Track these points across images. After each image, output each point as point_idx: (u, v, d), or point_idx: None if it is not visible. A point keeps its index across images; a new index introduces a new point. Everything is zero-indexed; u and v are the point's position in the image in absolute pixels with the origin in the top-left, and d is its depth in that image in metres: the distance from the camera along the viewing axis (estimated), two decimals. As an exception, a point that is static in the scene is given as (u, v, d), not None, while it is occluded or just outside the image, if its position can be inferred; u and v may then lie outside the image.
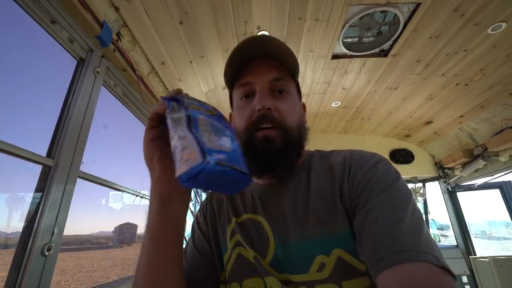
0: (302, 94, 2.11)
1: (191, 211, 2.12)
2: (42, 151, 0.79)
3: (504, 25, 1.35)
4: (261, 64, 0.52)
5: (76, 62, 0.94)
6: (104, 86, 1.09)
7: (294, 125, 0.50)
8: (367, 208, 0.40)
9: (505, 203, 2.58)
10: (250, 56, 0.52)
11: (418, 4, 1.26)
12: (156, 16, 1.18)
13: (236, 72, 0.54)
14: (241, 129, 0.51)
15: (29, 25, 0.76)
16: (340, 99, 2.22)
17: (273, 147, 0.47)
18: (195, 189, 2.17)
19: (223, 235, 0.54)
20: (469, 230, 2.71)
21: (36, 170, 0.75)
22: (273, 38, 0.52)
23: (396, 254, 0.34)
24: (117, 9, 1.05)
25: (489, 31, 1.39)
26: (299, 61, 1.66)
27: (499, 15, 1.30)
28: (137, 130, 1.51)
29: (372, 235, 0.37)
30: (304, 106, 0.61)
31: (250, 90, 0.52)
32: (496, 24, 1.35)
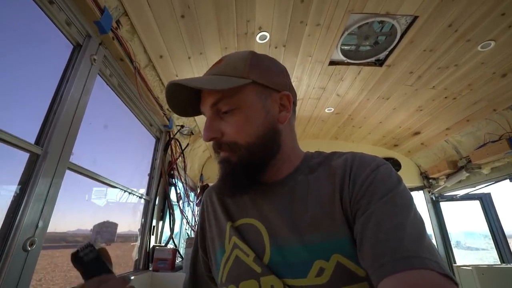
0: (298, 98, 2.13)
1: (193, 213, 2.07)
2: (30, 138, 0.74)
3: (492, 43, 1.42)
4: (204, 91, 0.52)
5: (72, 47, 0.90)
6: (100, 75, 1.05)
7: (248, 139, 0.49)
8: (368, 213, 0.39)
9: (484, 215, 2.69)
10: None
11: (416, 17, 1.31)
12: (157, 8, 1.15)
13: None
14: None
15: (25, 4, 0.72)
16: (334, 105, 2.26)
17: (230, 167, 0.50)
18: (184, 188, 2.12)
19: (221, 238, 0.53)
20: (450, 239, 2.80)
21: (22, 158, 0.70)
22: (206, 77, 0.50)
23: (399, 260, 0.33)
24: (118, -4, 1.02)
25: (479, 48, 1.46)
26: (296, 65, 1.70)
27: (489, 34, 1.36)
28: (129, 124, 1.45)
29: (373, 241, 0.37)
30: (285, 97, 0.53)
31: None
32: (485, 42, 1.42)
